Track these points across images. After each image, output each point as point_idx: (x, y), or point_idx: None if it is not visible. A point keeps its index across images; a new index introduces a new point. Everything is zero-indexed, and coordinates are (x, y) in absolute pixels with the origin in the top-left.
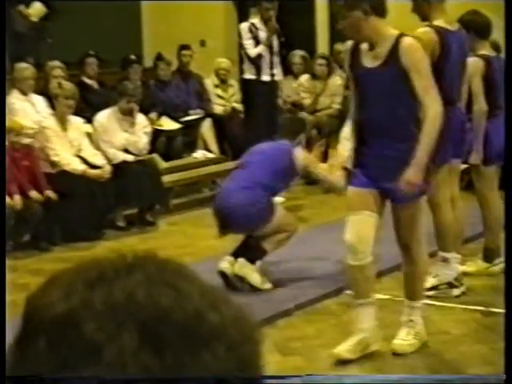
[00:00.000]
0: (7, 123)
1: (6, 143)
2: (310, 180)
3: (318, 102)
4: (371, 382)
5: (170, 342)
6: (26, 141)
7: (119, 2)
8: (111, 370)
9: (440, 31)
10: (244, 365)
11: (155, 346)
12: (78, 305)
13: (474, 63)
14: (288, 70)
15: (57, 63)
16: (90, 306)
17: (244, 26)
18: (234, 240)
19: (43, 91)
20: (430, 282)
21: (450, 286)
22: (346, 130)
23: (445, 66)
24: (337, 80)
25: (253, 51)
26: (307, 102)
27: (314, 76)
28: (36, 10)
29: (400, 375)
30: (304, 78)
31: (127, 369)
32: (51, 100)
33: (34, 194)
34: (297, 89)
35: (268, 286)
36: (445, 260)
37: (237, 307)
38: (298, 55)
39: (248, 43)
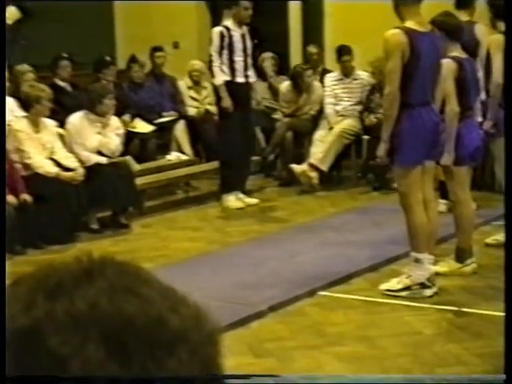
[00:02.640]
0: None
1: None
2: (284, 182)
3: (301, 109)
4: (347, 381)
5: (135, 350)
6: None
7: (92, 3)
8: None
9: (409, 33)
10: (207, 366)
11: (121, 356)
12: (39, 318)
13: (446, 65)
14: (260, 72)
15: (26, 67)
16: (53, 318)
17: (216, 31)
18: (207, 241)
19: (14, 93)
20: (403, 282)
21: (423, 286)
22: (319, 133)
23: (416, 67)
24: (318, 87)
25: (219, 79)
26: (286, 111)
27: (296, 83)
28: (10, 13)
29: (395, 375)
30: (284, 86)
31: (93, 382)
32: (22, 102)
33: (10, 198)
34: (268, 91)
35: None
36: (417, 261)
37: (195, 307)
38: (268, 57)
39: (216, 61)
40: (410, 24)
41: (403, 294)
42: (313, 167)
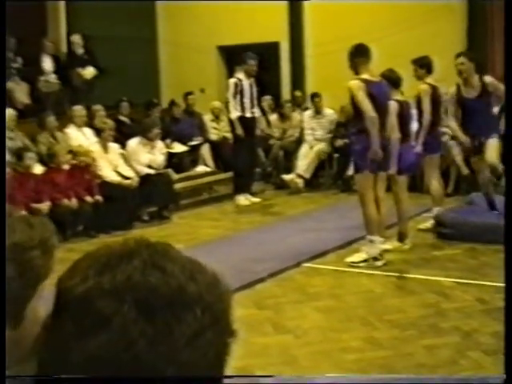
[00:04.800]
0: (76, 149)
1: (73, 162)
2: (278, 186)
3: (286, 133)
4: (346, 382)
5: (158, 310)
6: (88, 160)
7: (143, 61)
8: (117, 335)
9: (366, 82)
10: (218, 319)
11: (148, 314)
12: (90, 288)
13: (392, 105)
14: (262, 110)
15: (99, 106)
16: (99, 288)
17: (232, 81)
18: (225, 229)
19: (91, 125)
20: (361, 256)
21: (375, 259)
22: (302, 151)
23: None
24: (297, 116)
25: (233, 114)
26: (276, 134)
27: (281, 114)
28: (89, 71)
29: (394, 375)
30: (273, 117)
31: (130, 333)
32: (97, 131)
33: (88, 198)
34: (265, 123)
35: None
36: (371, 241)
37: (211, 274)
38: (267, 99)
39: (232, 102)
40: (365, 76)
41: (362, 264)
42: (299, 176)
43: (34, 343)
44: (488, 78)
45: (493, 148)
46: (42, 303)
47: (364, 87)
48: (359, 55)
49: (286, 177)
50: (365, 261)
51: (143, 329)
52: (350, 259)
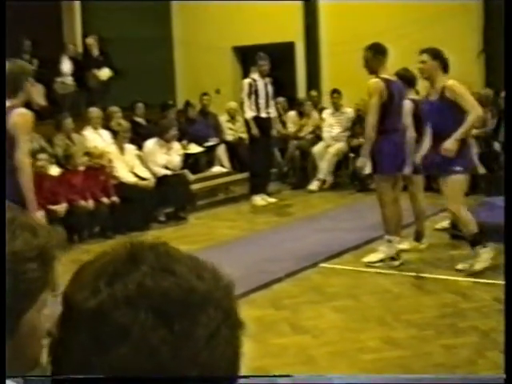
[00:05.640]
0: (92, 150)
1: (89, 164)
2: (295, 185)
3: (302, 130)
4: (364, 381)
5: (174, 314)
6: (103, 161)
7: (159, 63)
8: (138, 344)
9: (386, 81)
10: (228, 315)
11: (165, 320)
12: (103, 300)
13: (407, 104)
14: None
15: (115, 108)
16: (113, 299)
17: (246, 82)
18: (241, 229)
19: (107, 127)
20: (378, 256)
21: (392, 259)
22: (316, 149)
23: (390, 106)
24: (315, 115)
25: (248, 114)
26: (292, 130)
27: (299, 112)
28: (104, 73)
29: (394, 375)
30: (291, 113)
31: (150, 341)
32: (113, 133)
33: (104, 199)
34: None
35: None
36: (389, 241)
37: (212, 268)
38: (280, 101)
39: (247, 102)
40: (384, 75)
41: (379, 264)
42: (323, 181)
43: (34, 355)
44: (450, 81)
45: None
46: (44, 315)
47: (384, 87)
48: (378, 54)
49: (313, 187)
50: (382, 261)
51: (163, 335)
52: (367, 259)
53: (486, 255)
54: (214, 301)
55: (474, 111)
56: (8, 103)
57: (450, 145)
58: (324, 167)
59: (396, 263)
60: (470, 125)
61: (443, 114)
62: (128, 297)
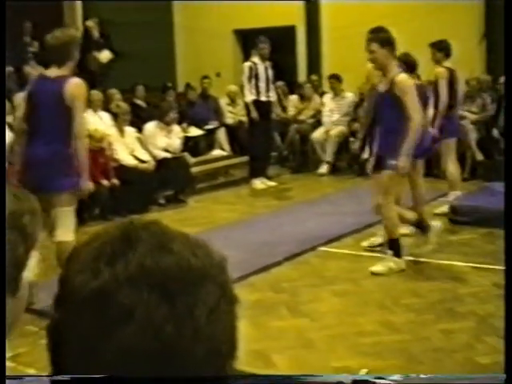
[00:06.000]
0: (91, 132)
1: (89, 146)
2: (295, 169)
3: (302, 113)
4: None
5: (175, 291)
6: (104, 144)
7: (160, 45)
8: (142, 324)
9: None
10: (224, 291)
11: (167, 298)
12: (106, 281)
13: None
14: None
15: (115, 90)
16: (116, 279)
17: (246, 65)
18: (241, 212)
19: (107, 109)
20: (378, 240)
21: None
22: (316, 134)
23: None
24: (316, 98)
25: (248, 98)
26: (292, 113)
27: (301, 96)
28: (105, 55)
29: (396, 375)
30: (293, 97)
31: (154, 321)
32: (113, 115)
33: (104, 181)
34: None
35: None
36: None
37: (204, 245)
38: (280, 85)
39: (247, 86)
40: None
41: (378, 248)
42: (330, 164)
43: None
44: (400, 76)
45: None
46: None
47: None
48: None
49: (322, 171)
50: (381, 245)
51: (166, 313)
52: (366, 243)
53: (390, 264)
54: (210, 277)
55: (415, 117)
56: (56, 72)
57: (402, 163)
58: (329, 150)
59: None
60: (414, 138)
61: (390, 107)
62: (130, 277)
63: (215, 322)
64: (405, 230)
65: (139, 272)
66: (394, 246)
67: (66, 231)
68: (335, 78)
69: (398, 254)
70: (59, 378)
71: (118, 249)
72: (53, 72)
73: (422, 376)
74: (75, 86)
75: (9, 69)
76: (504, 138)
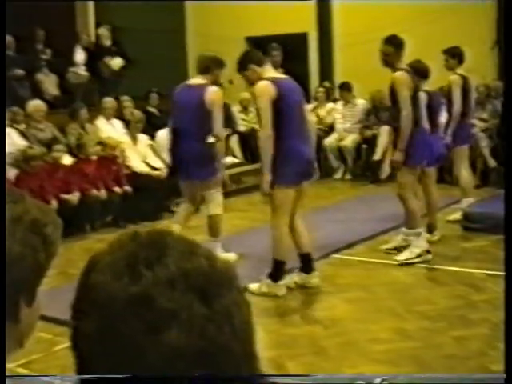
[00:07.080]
0: (106, 140)
1: (101, 153)
2: None
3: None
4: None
5: (212, 293)
6: (116, 152)
7: (172, 54)
8: (186, 325)
9: (410, 73)
10: (237, 287)
11: (206, 299)
12: (147, 284)
13: (421, 96)
14: None
15: (125, 97)
16: (157, 283)
17: None
18: (252, 220)
19: (119, 116)
20: (415, 252)
21: (427, 252)
22: (328, 140)
23: (414, 96)
24: (329, 104)
25: None
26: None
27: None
28: (117, 62)
29: (396, 374)
30: (308, 106)
31: (198, 321)
32: (126, 123)
33: (116, 189)
34: None
35: None
36: (418, 234)
37: (208, 251)
38: None
39: None
40: (405, 67)
41: (416, 260)
42: (347, 169)
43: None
44: (397, 73)
45: None
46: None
47: (411, 79)
48: (399, 48)
49: (338, 176)
50: (419, 255)
51: (207, 314)
52: (401, 257)
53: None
54: (225, 276)
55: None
56: (200, 80)
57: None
58: (348, 157)
59: (430, 256)
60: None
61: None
62: (171, 279)
63: (242, 318)
64: (430, 236)
65: (178, 275)
66: (278, 270)
67: (217, 205)
68: (345, 88)
69: (277, 278)
70: (58, 377)
71: (151, 254)
72: (200, 80)
73: (422, 376)
74: (214, 93)
75: (20, 72)
76: (504, 146)
